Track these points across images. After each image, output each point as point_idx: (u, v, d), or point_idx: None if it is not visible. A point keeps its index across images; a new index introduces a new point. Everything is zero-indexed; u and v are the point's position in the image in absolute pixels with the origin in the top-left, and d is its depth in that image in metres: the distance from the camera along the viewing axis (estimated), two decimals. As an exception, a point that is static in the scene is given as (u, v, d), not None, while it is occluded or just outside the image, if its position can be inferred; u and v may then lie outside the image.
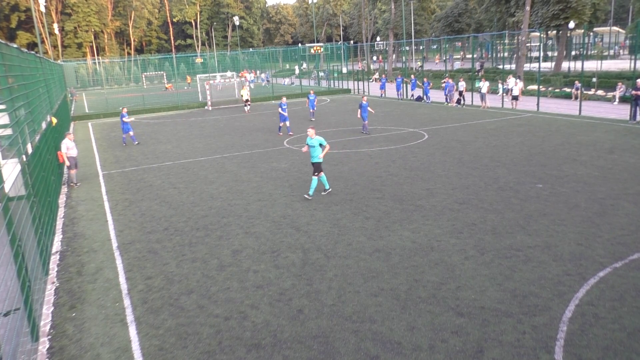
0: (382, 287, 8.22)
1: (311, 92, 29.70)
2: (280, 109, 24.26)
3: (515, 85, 29.46)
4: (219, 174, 17.08)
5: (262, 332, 7.12)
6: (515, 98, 28.97)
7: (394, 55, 73.72)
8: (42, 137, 13.58)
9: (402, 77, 39.42)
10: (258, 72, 79.42)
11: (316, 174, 13.23)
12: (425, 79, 36.92)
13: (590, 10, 45.31)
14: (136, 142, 24.67)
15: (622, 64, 45.83)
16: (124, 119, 24.10)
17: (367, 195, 13.50)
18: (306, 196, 13.33)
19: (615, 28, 71.84)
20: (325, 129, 25.41)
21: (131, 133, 24.54)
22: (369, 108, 23.33)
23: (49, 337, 7.40)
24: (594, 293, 7.64)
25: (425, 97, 35.34)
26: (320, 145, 13.15)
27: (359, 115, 23.20)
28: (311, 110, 29.26)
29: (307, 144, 13.30)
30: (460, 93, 32.17)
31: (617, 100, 29.44)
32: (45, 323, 7.79)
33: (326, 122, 28.07)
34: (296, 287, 8.45)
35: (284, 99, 25.01)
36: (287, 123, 24.33)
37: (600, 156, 16.35)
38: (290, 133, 24.46)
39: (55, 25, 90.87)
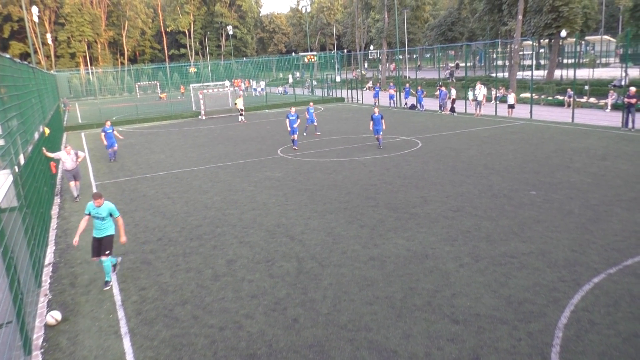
0: (377, 296, 8.20)
1: (310, 104, 27.74)
2: (288, 120, 22.68)
3: (510, 93, 29.65)
4: (212, 184, 17.05)
5: (258, 342, 7.08)
6: (511, 107, 29.13)
7: (387, 64, 74.10)
8: (34, 147, 13.52)
9: (393, 84, 39.60)
10: (252, 81, 79.49)
11: (107, 252, 9.23)
12: (419, 87, 37.10)
13: (582, 19, 45.83)
14: (112, 160, 23.04)
15: (613, 72, 46.23)
16: (109, 132, 22.57)
17: (362, 203, 13.50)
18: (106, 288, 9.26)
19: (606, 37, 72.60)
20: (320, 137, 25.45)
21: (115, 147, 23.08)
22: (382, 121, 21.11)
23: (42, 350, 7.32)
24: (589, 299, 7.66)
25: (418, 105, 35.52)
26: (111, 215, 9.28)
27: (370, 128, 21.40)
28: (307, 125, 26.55)
29: (91, 214, 9.17)
30: (453, 101, 32.37)
31: (609, 107, 29.69)
32: (38, 336, 7.70)
33: (320, 130, 28.11)
34: (291, 296, 8.41)
35: (293, 109, 23.32)
36: (296, 136, 22.77)
37: (593, 163, 16.45)
38: (295, 148, 22.54)
39: (49, 35, 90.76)
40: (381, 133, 21.26)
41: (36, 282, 9.30)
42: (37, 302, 8.80)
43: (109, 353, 7.11)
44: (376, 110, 21.56)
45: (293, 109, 23.46)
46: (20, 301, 7.19)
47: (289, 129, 22.68)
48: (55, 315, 8.07)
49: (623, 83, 35.32)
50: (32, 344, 7.38)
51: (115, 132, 23.04)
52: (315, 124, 26.82)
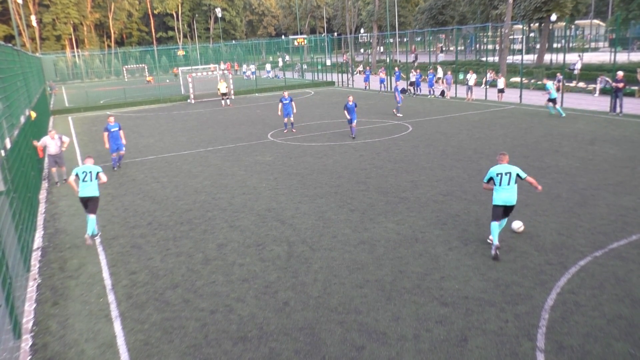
0: (367, 279, 8.26)
1: (397, 83, 27.42)
2: (281, 104, 22.29)
3: (500, 77, 29.73)
4: (202, 168, 16.97)
5: (248, 325, 7.12)
6: (501, 91, 29.16)
7: (378, 47, 73.73)
8: (21, 131, 13.35)
9: (384, 69, 39.56)
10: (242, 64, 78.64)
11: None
12: (418, 71, 37.13)
13: (572, 3, 45.80)
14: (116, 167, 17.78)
15: (602, 57, 46.40)
16: (113, 130, 17.28)
17: (352, 187, 13.53)
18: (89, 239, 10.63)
19: (595, 21, 72.72)
20: (309, 122, 25.38)
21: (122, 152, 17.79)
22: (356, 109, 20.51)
23: (32, 334, 7.31)
24: (575, 281, 7.78)
25: (416, 88, 35.49)
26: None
27: (348, 116, 20.49)
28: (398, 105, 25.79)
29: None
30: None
31: (597, 92, 29.85)
32: (27, 320, 7.69)
33: (310, 114, 28.02)
34: (282, 279, 8.46)
35: (286, 93, 22.86)
36: (291, 118, 22.68)
37: (581, 147, 16.58)
38: (294, 130, 22.76)
39: (33, 18, 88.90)
40: (355, 122, 20.51)
41: (25, 267, 9.25)
42: (26, 287, 8.77)
43: (99, 336, 7.12)
44: (350, 98, 20.44)
45: (286, 93, 23.09)
46: (9, 285, 7.16)
47: (289, 109, 22.24)
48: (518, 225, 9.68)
49: (578, 67, 35.78)
50: (21, 328, 7.37)
51: (121, 133, 17.47)
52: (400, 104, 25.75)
